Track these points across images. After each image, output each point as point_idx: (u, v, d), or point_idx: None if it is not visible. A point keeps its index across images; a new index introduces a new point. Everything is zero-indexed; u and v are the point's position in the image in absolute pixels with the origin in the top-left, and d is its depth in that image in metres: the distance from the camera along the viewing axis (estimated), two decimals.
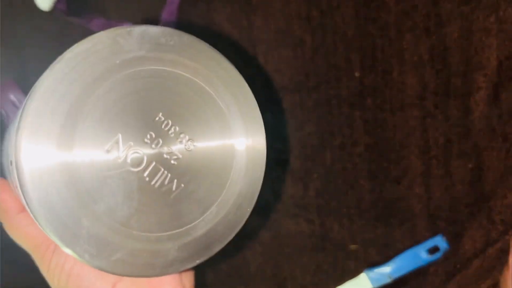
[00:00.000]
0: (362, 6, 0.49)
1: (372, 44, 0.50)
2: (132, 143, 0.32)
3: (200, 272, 0.56)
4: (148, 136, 0.33)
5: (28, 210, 0.31)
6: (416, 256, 0.54)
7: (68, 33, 0.50)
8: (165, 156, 0.33)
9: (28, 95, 0.31)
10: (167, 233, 0.33)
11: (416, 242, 0.55)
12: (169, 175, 0.33)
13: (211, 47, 0.35)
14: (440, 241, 0.54)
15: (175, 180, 0.34)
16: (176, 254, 0.34)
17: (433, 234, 0.54)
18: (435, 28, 0.49)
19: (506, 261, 0.50)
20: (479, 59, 0.49)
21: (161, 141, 0.33)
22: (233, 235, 0.35)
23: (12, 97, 0.46)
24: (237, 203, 0.35)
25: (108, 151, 0.32)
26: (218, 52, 0.35)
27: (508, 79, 0.49)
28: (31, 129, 0.30)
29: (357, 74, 0.51)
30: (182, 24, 0.50)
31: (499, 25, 0.48)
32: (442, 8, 0.48)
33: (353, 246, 0.56)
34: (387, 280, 0.55)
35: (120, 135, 0.32)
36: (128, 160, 0.32)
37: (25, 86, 0.47)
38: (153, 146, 0.33)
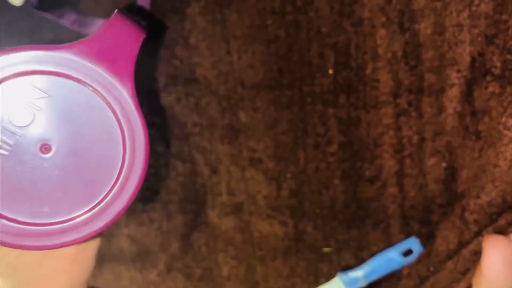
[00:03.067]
0: (336, 1, 0.48)
1: (346, 40, 0.50)
2: None
3: (171, 276, 0.55)
4: None
5: None
6: (390, 259, 0.54)
7: (40, 29, 0.49)
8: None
9: None
10: None
11: (390, 243, 0.54)
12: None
13: None
14: (414, 243, 0.54)
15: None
16: None
17: (407, 235, 0.54)
18: (409, 24, 0.49)
19: (478, 263, 0.50)
20: (452, 55, 0.49)
21: None
22: None
23: None
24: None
25: None
26: None
27: (481, 76, 0.50)
28: None
29: (330, 72, 0.51)
30: (155, 17, 0.50)
31: (472, 20, 0.48)
32: (416, 3, 0.48)
33: (326, 249, 0.55)
34: (361, 284, 0.54)
35: None
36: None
37: None
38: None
